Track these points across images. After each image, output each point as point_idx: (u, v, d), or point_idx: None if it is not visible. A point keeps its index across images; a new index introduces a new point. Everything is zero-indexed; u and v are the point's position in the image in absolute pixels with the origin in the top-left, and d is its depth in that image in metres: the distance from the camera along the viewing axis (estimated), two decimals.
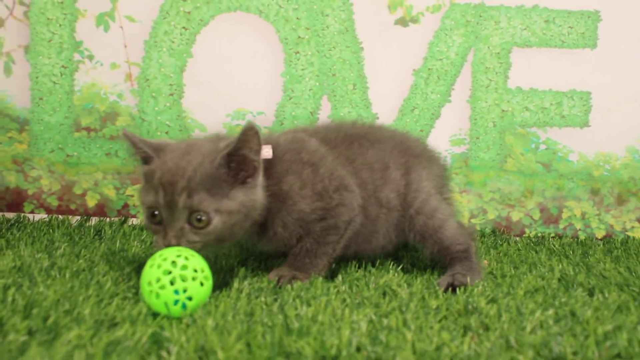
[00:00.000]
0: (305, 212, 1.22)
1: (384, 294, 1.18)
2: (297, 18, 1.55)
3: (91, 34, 1.49)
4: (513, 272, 1.38)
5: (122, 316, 0.97)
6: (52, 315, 0.94)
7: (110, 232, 1.46)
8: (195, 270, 1.02)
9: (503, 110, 1.65)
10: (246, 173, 1.12)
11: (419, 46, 1.61)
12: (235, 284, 1.17)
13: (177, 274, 1.00)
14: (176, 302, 1.00)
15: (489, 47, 1.63)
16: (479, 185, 1.67)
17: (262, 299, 1.09)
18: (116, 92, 1.52)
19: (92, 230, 1.46)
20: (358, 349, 0.91)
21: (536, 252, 1.55)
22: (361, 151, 1.31)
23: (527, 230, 1.70)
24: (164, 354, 0.86)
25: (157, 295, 1.00)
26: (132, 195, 1.56)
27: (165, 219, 1.08)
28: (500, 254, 1.52)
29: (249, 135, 1.10)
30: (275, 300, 1.10)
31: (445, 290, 1.23)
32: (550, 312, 1.12)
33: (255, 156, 1.12)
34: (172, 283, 1.00)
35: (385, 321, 1.02)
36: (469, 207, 1.68)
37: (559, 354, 0.93)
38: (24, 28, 1.48)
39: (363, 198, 1.28)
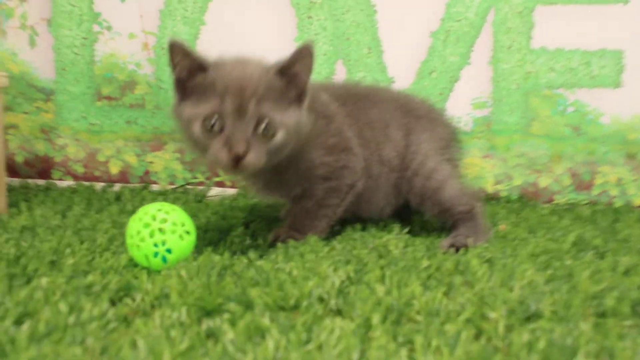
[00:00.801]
0: (315, 164, 1.20)
1: (377, 253, 1.16)
2: None
3: (109, 5, 1.54)
4: (526, 235, 1.32)
5: (102, 267, 1.01)
6: (33, 264, 0.98)
7: (129, 197, 1.51)
8: (175, 224, 1.04)
9: (527, 72, 1.58)
10: (297, 92, 1.09)
11: (436, 7, 1.56)
12: (228, 240, 1.19)
13: (156, 227, 1.02)
14: (156, 254, 1.02)
15: (510, 6, 1.56)
16: (503, 150, 1.61)
17: (249, 255, 1.10)
18: (134, 62, 1.56)
19: (112, 196, 1.51)
20: (321, 300, 0.90)
21: (560, 217, 1.48)
22: (365, 111, 1.29)
23: (556, 197, 1.63)
24: (128, 300, 0.88)
25: (138, 248, 1.02)
26: (152, 162, 1.61)
27: (230, 127, 1.02)
28: (520, 219, 1.46)
29: (304, 53, 1.07)
30: (261, 256, 1.11)
31: (446, 252, 1.20)
32: (547, 273, 1.07)
33: (307, 77, 1.09)
34: (151, 236, 1.02)
35: (365, 277, 1.01)
36: (493, 172, 1.62)
37: (535, 311, 0.90)
38: (46, 1, 1.54)
39: (366, 159, 1.26)
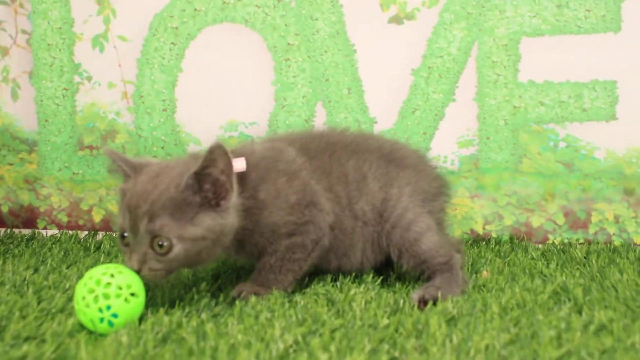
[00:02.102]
0: (278, 224, 1.18)
1: (339, 310, 1.12)
2: (286, 25, 1.51)
3: (88, 55, 1.55)
4: (504, 284, 1.26)
5: (49, 333, 0.99)
6: None
7: (108, 246, 1.51)
8: (120, 287, 1.02)
9: (515, 107, 1.52)
10: (216, 195, 1.09)
11: (417, 44, 1.51)
12: (188, 297, 1.16)
13: (100, 292, 1.01)
14: (101, 319, 1.01)
15: (494, 40, 1.50)
16: (492, 189, 1.55)
17: (202, 315, 1.07)
18: (114, 111, 1.57)
19: (93, 245, 1.51)
20: None
21: (548, 261, 1.41)
22: (340, 162, 1.26)
23: (550, 237, 1.55)
24: None
25: (84, 313, 1.01)
26: None
27: (131, 243, 1.08)
28: (506, 264, 1.39)
29: (216, 154, 1.06)
30: (215, 316, 1.08)
31: (418, 304, 1.15)
32: (511, 333, 1.01)
33: (225, 177, 1.08)
34: (95, 301, 1.01)
35: (313, 341, 0.97)
36: (482, 212, 1.56)
37: None
38: (27, 55, 1.56)
39: (336, 214, 1.23)
